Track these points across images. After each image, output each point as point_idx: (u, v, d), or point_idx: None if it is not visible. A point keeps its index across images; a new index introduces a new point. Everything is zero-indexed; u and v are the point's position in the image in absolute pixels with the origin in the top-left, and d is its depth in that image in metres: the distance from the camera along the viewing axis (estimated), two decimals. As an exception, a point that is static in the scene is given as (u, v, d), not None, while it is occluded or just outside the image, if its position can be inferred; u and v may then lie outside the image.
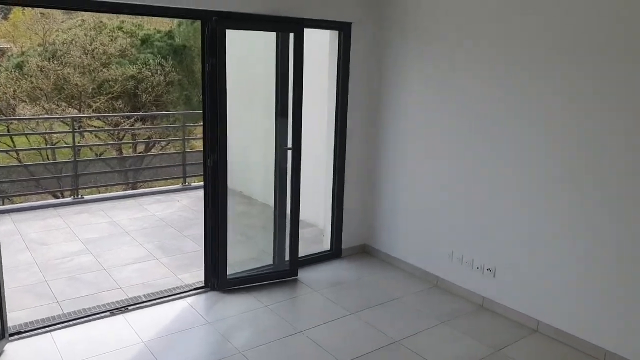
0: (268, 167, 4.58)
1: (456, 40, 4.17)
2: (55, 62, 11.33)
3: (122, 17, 12.63)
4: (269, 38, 4.32)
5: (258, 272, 4.55)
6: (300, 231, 4.70)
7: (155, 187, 8.39)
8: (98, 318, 3.85)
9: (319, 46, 5.09)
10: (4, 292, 3.43)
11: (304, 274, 4.72)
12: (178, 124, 11.21)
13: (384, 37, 4.79)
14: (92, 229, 5.87)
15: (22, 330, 3.62)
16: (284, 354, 3.51)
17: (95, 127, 12.77)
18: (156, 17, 12.38)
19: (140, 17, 12.62)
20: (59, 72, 11.25)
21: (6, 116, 11.26)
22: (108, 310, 3.94)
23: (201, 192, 4.28)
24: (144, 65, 11.88)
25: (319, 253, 5.11)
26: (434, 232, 4.54)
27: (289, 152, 4.43)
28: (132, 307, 4.03)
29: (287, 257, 4.61)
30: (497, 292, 4.08)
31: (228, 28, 3.93)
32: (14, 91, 11.15)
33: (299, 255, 4.70)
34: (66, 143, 11.12)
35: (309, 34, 4.48)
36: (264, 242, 4.83)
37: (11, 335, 3.56)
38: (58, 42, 12.08)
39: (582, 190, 3.47)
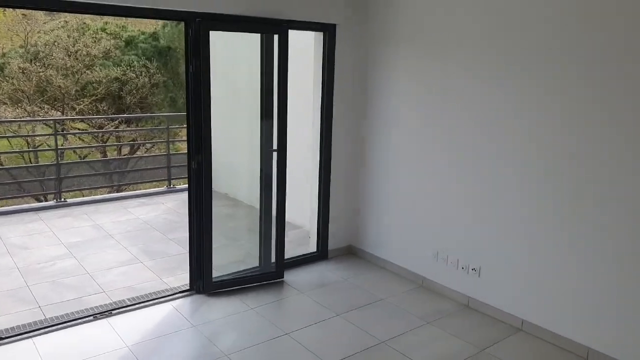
0: (253, 169, 4.56)
1: (441, 40, 4.20)
2: (37, 63, 11.19)
3: (106, 18, 12.51)
4: (254, 39, 4.31)
5: (244, 274, 4.53)
6: (287, 233, 4.69)
7: (140, 189, 8.31)
8: (81, 323, 3.80)
9: (305, 47, 5.09)
10: (-16, 298, 3.38)
11: (290, 276, 4.70)
12: (163, 126, 11.13)
13: (369, 39, 4.80)
14: (75, 232, 5.80)
15: (3, 337, 3.55)
16: (270, 356, 3.49)
17: (79, 129, 12.64)
18: (140, 19, 12.27)
19: (124, 18, 12.50)
20: (41, 74, 11.11)
21: (-13, 119, 11.10)
22: (91, 315, 3.89)
23: (186, 195, 4.25)
24: (129, 67, 11.78)
25: (305, 255, 5.11)
26: (419, 232, 4.56)
27: (275, 154, 4.42)
28: (116, 311, 3.98)
29: (273, 259, 4.59)
30: (482, 292, 4.11)
31: (212, 29, 3.91)
32: (-5, 93, 11.01)
33: (285, 257, 4.69)
34: (49, 146, 10.98)
35: (294, 35, 4.48)
36: (249, 244, 4.81)
37: (-8, 341, 3.50)
38: (40, 44, 11.93)
39: (566, 190, 3.51)
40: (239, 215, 5.85)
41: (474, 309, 4.16)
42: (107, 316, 3.91)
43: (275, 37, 4.23)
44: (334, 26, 4.71)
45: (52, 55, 11.32)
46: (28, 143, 11.78)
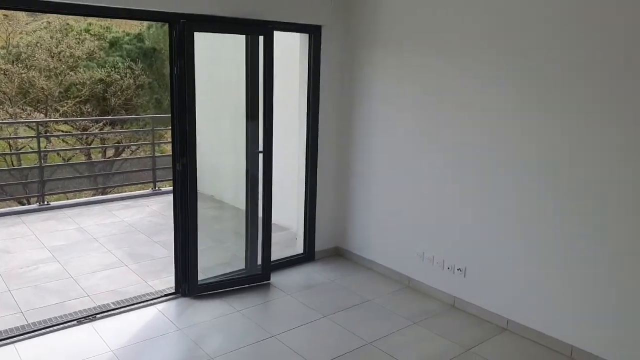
0: (239, 170, 4.54)
1: (428, 41, 4.22)
2: (19, 65, 11.04)
3: (90, 19, 12.39)
4: (239, 41, 4.29)
5: (230, 277, 4.51)
6: (273, 235, 4.67)
7: (125, 192, 8.23)
8: (64, 327, 3.75)
9: (290, 48, 5.09)
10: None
11: (276, 278, 4.69)
12: (148, 127, 11.05)
13: (355, 40, 4.81)
14: (58, 236, 5.72)
15: (-16, 342, 3.50)
16: (256, 359, 3.48)
17: (62, 131, 12.48)
18: (124, 20, 12.17)
19: (108, 19, 12.39)
20: (23, 75, 10.96)
21: (-32, 121, 10.92)
22: (75, 319, 3.84)
23: (172, 197, 4.22)
24: (113, 69, 11.68)
25: (291, 257, 5.10)
26: (405, 233, 4.58)
27: (260, 156, 4.40)
28: (100, 315, 3.93)
29: (259, 261, 4.58)
30: (468, 292, 4.13)
31: (196, 31, 3.89)
32: (-24, 95, 10.83)
33: (272, 259, 4.67)
34: (32, 148, 10.83)
35: (280, 36, 4.47)
36: (236, 246, 4.79)
37: (-28, 347, 3.44)
38: (22, 45, 11.77)
39: (550, 191, 3.55)
40: (225, 218, 5.82)
41: (459, 309, 4.18)
42: (91, 320, 3.86)
43: (261, 38, 4.22)
44: (319, 27, 4.72)
45: (34, 57, 11.17)
46: (10, 145, 11.61)
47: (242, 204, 4.59)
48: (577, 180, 3.40)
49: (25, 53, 11.32)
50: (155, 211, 6.77)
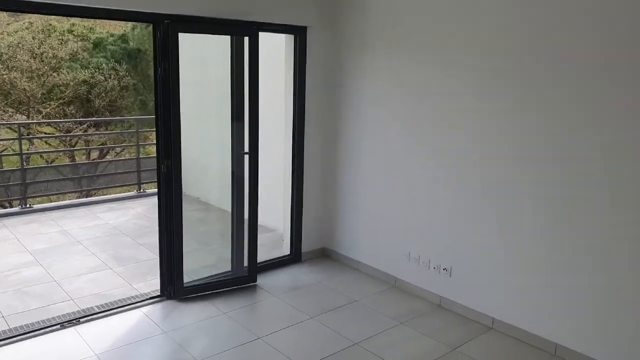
0: (225, 172, 4.52)
1: (414, 43, 4.24)
2: (0, 66, 10.86)
3: (73, 20, 12.25)
4: (224, 41, 4.27)
5: (216, 279, 4.48)
6: (260, 236, 4.66)
7: (109, 194, 8.14)
8: (48, 332, 3.70)
9: (276, 49, 5.08)
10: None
11: (263, 280, 4.68)
12: (133, 129, 10.95)
13: (341, 41, 4.82)
14: (41, 239, 5.64)
15: (-36, 348, 3.43)
16: (242, 361, 3.47)
17: (45, 133, 12.31)
18: (108, 20, 12.05)
19: (91, 20, 12.26)
20: (4, 76, 10.80)
21: (-52, 123, 10.72)
22: (58, 324, 3.79)
23: (157, 199, 4.18)
24: (97, 70, 11.56)
25: (278, 258, 5.08)
26: (391, 234, 4.60)
27: (246, 157, 4.39)
28: (84, 319, 3.88)
29: (245, 263, 4.56)
30: (454, 292, 4.16)
31: (181, 32, 3.87)
32: (-45, 97, 10.65)
33: (258, 261, 4.65)
34: (14, 150, 10.67)
35: (266, 37, 4.46)
36: (222, 248, 4.76)
37: (-48, 353, 3.37)
38: (3, 46, 11.58)
39: (534, 192, 3.59)
40: (210, 219, 5.78)
41: (445, 308, 4.21)
42: (75, 324, 3.81)
43: (246, 39, 4.21)
44: (304, 29, 4.71)
45: (16, 58, 11.01)
46: (-9, 148, 11.43)
47: (228, 206, 4.57)
48: (559, 182, 3.43)
49: (6, 54, 11.15)
50: (140, 213, 6.71)
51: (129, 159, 11.41)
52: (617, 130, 3.15)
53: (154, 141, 4.13)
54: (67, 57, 11.58)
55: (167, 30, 3.81)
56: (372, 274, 4.80)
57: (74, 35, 12.02)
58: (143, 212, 6.77)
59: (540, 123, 3.49)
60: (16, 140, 8.35)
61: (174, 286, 4.20)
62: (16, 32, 12.12)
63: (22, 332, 3.65)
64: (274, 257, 5.08)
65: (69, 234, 5.84)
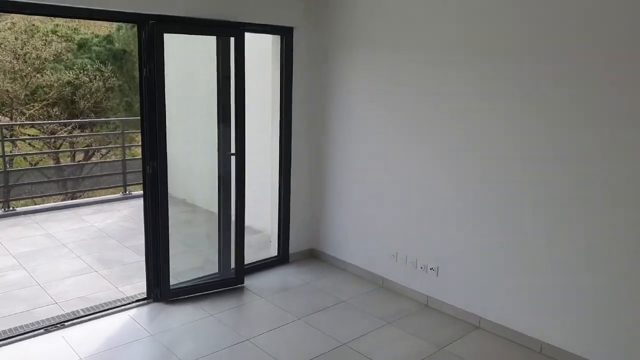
0: (211, 173, 4.50)
1: (401, 44, 4.25)
2: (-18, 67, 10.73)
3: (57, 20, 12.11)
4: (210, 42, 4.26)
5: (203, 281, 4.45)
6: (247, 238, 4.64)
7: (95, 196, 8.06)
8: (32, 336, 3.65)
9: (263, 50, 5.07)
10: None
11: (250, 281, 4.66)
12: (118, 131, 10.85)
13: (327, 42, 4.82)
14: (25, 242, 5.57)
15: (-54, 354, 3.37)
16: (230, 363, 3.45)
17: (29, 135, 12.15)
18: (93, 21, 11.93)
19: (76, 20, 12.13)
20: (-14, 77, 10.65)
21: None
22: (43, 328, 3.74)
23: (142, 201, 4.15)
24: (82, 71, 11.44)
25: (265, 259, 5.07)
26: (379, 234, 4.61)
27: (233, 158, 4.37)
28: (69, 322, 3.84)
29: (232, 265, 4.54)
30: (441, 291, 4.18)
31: (166, 32, 3.84)
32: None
33: (245, 263, 4.64)
34: (-4, 153, 10.50)
35: (252, 38, 4.45)
36: (209, 250, 4.73)
37: None
38: (-16, 46, 11.44)
39: (519, 191, 3.62)
40: (197, 221, 5.75)
41: (433, 308, 4.23)
42: (60, 328, 3.76)
43: (232, 39, 4.19)
44: (291, 29, 4.71)
45: (-2, 58, 10.87)
46: (-27, 150, 11.23)
47: (214, 207, 4.55)
48: (543, 182, 3.47)
49: (-12, 55, 11.00)
50: (126, 215, 6.66)
51: (114, 161, 11.31)
52: (613, 130, 3.19)
53: (140, 142, 4.10)
54: (51, 58, 11.44)
55: (152, 31, 3.79)
56: (360, 275, 4.81)
57: (58, 35, 11.88)
58: (129, 214, 6.71)
59: (532, 122, 3.52)
60: (-1, 142, 8.21)
61: (160, 289, 4.17)
62: (-2, 32, 11.96)
63: (5, 337, 3.59)
64: (262, 258, 5.06)
65: (53, 236, 5.77)
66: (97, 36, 12.68)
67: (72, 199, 9.47)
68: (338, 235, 5.01)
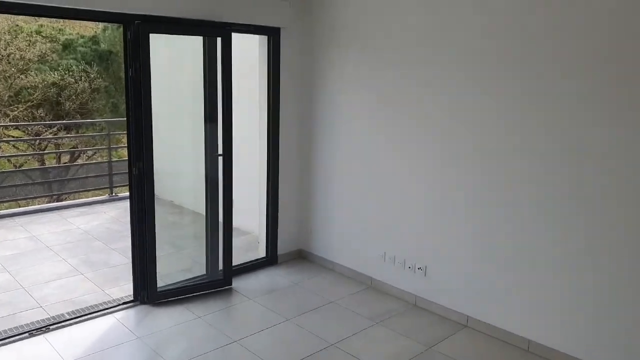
0: (199, 174, 4.47)
1: (388, 45, 4.26)
2: (-35, 68, 10.56)
3: (41, 20, 11.96)
4: (196, 42, 4.23)
5: (191, 283, 4.42)
6: (235, 239, 4.62)
7: (81, 198, 7.96)
8: (15, 341, 3.59)
9: (250, 50, 5.05)
10: None
11: (238, 283, 4.63)
12: (105, 132, 10.75)
13: (315, 42, 4.82)
14: (8, 245, 5.48)
15: None
16: (218, 365, 3.43)
17: (13, 137, 11.98)
18: (78, 21, 11.80)
19: (61, 21, 11.99)
20: (-31, 78, 10.48)
21: None
22: (27, 332, 3.68)
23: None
24: (67, 72, 11.30)
25: (254, 261, 5.05)
26: (367, 234, 4.61)
27: (220, 159, 4.35)
28: (54, 326, 3.79)
29: (220, 267, 4.51)
30: (429, 291, 4.19)
31: (151, 32, 3.81)
32: None
33: (234, 264, 4.61)
34: (-21, 155, 10.36)
35: (239, 37, 4.43)
36: (196, 252, 4.70)
37: None
38: (-32, 47, 11.26)
39: (505, 190, 3.64)
40: (184, 223, 5.70)
41: (421, 307, 4.24)
42: (44, 332, 3.71)
43: (218, 40, 4.17)
44: (278, 30, 4.70)
45: (-20, 59, 10.71)
46: (-45, 152, 11.08)
47: (202, 209, 4.52)
48: (528, 182, 3.50)
49: (-29, 56, 10.84)
50: (112, 217, 6.59)
51: (100, 162, 11.19)
52: (612, 129, 3.22)
53: (126, 144, 4.06)
54: (36, 59, 11.29)
55: (137, 31, 3.76)
56: (349, 275, 4.81)
57: (42, 36, 11.73)
58: (115, 216, 6.65)
59: (512, 122, 3.55)
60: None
61: (147, 291, 4.13)
62: (-19, 33, 11.78)
63: (-12, 342, 3.54)
64: (250, 260, 5.04)
65: (38, 239, 5.69)
66: (82, 37, 12.53)
67: (57, 201, 9.36)
68: (326, 236, 5.00)
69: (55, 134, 11.55)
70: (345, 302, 4.31)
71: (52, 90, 11.15)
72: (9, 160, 11.61)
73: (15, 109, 11.07)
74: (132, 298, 4.20)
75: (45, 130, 11.55)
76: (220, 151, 4.33)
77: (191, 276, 4.49)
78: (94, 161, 11.80)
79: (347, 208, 4.76)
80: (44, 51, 11.44)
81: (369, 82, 4.41)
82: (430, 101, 3.99)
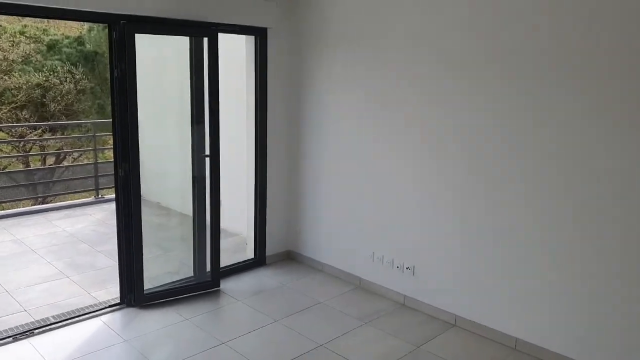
0: (185, 176, 4.44)
1: (376, 45, 4.27)
2: (-53, 69, 10.39)
3: (25, 20, 11.81)
4: (183, 42, 4.20)
5: (178, 285, 4.39)
6: (223, 241, 4.60)
7: (66, 201, 7.88)
8: (-1, 345, 3.54)
9: (238, 50, 5.03)
10: None
11: (226, 285, 4.61)
12: (90, 134, 10.64)
13: (302, 43, 4.81)
14: (-8, 248, 5.41)
15: None
16: (206, 368, 3.40)
17: (-4, 139, 11.82)
18: (63, 22, 11.68)
19: (45, 21, 11.85)
20: (-48, 80, 10.32)
21: None
22: (10, 336, 3.62)
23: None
24: (52, 73, 11.16)
25: (242, 262, 5.02)
26: (356, 234, 4.61)
27: (207, 160, 4.32)
28: (39, 330, 3.73)
29: (208, 268, 4.48)
30: (417, 290, 4.20)
31: (137, 32, 3.78)
32: None
33: (222, 266, 4.59)
34: (-38, 157, 10.20)
35: (227, 37, 4.41)
36: (184, 254, 4.67)
37: None
38: (-50, 48, 11.09)
39: (491, 190, 3.66)
40: (172, 225, 5.67)
41: (409, 307, 4.25)
42: (29, 336, 3.66)
43: (205, 40, 4.15)
44: (264, 30, 4.69)
45: (-37, 60, 10.55)
46: (-62, 155, 10.89)
47: (189, 210, 4.49)
48: (519, 181, 3.52)
49: (-47, 57, 10.67)
50: (98, 220, 6.52)
51: (86, 164, 11.07)
52: (608, 130, 3.25)
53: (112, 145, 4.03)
54: (19, 60, 11.15)
55: (123, 31, 3.72)
56: (337, 275, 4.81)
57: (26, 37, 11.58)
58: (102, 218, 6.58)
59: (499, 121, 3.57)
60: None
61: (134, 293, 4.10)
62: (-37, 34, 11.61)
63: (-29, 347, 3.48)
64: (238, 261, 5.01)
65: (22, 242, 5.61)
66: (67, 37, 12.40)
67: (42, 204, 9.25)
68: (315, 236, 5.00)
69: (40, 136, 11.42)
70: (334, 303, 4.31)
71: (36, 91, 11.02)
72: (-8, 163, 11.46)
73: (-1, 110, 10.92)
74: (118, 301, 4.15)
75: (30, 132, 11.41)
76: (207, 152, 4.31)
77: (178, 278, 4.46)
78: (79, 163, 11.67)
79: (336, 208, 4.76)
80: (28, 52, 11.31)
81: (357, 82, 4.42)
82: (419, 101, 4.01)
